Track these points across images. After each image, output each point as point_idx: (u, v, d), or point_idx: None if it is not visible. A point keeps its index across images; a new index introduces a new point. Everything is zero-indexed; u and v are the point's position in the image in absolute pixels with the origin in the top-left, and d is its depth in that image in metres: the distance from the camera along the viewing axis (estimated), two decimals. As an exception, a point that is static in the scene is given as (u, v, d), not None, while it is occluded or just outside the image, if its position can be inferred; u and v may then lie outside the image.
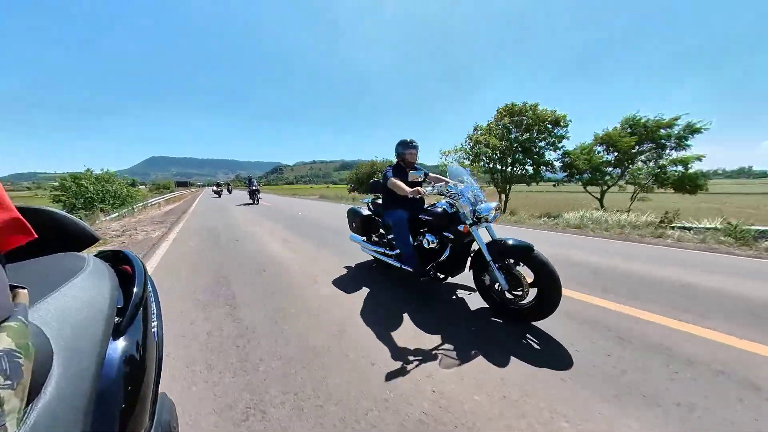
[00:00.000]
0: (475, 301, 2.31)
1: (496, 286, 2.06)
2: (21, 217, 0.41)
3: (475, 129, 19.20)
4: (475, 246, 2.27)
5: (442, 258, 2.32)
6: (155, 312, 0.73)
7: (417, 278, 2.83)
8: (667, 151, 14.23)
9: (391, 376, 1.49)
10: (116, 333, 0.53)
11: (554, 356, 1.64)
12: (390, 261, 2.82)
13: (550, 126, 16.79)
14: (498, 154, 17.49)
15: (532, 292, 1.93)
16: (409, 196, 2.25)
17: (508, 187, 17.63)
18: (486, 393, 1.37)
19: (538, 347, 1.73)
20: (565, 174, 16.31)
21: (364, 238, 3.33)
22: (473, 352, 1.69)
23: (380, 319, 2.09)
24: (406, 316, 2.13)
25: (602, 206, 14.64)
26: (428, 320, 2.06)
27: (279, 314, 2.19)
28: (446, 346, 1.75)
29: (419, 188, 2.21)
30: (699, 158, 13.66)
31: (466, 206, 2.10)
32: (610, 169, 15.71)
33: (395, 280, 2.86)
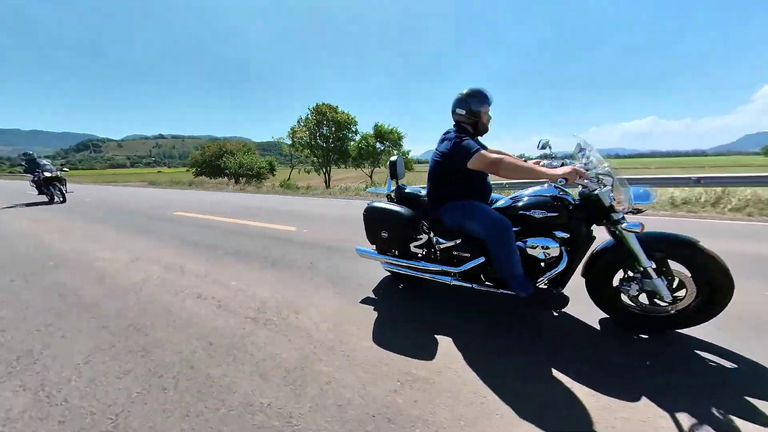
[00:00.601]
0: (582, 313, 1.78)
1: (637, 294, 1.55)
2: None
3: (298, 122, 24.63)
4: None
5: (558, 269, 1.59)
6: None
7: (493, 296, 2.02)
8: (400, 146, 23.64)
9: None
10: None
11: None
12: (451, 281, 1.85)
13: (349, 125, 23.95)
14: (310, 142, 24.02)
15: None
16: (557, 182, 1.34)
17: (327, 168, 25.06)
18: None
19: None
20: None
21: (375, 248, 2.15)
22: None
23: (542, 402, 1.21)
24: (568, 382, 1.32)
25: (372, 181, 19.96)
26: (591, 370, 1.37)
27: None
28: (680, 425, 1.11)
29: (577, 168, 1.33)
30: (408, 151, 25.58)
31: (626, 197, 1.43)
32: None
33: (451, 304, 1.97)
